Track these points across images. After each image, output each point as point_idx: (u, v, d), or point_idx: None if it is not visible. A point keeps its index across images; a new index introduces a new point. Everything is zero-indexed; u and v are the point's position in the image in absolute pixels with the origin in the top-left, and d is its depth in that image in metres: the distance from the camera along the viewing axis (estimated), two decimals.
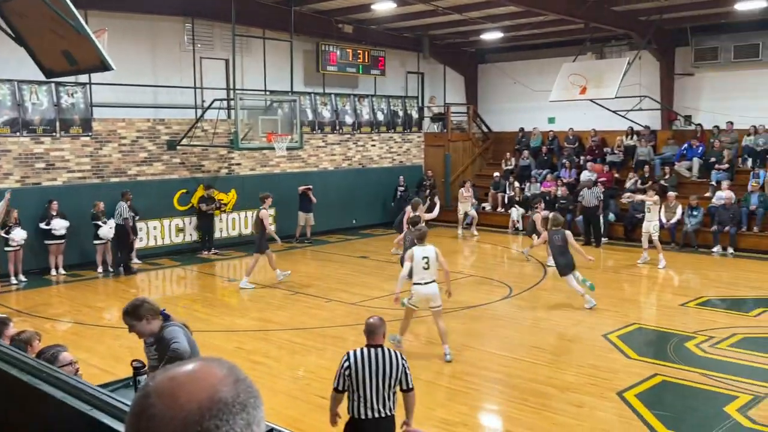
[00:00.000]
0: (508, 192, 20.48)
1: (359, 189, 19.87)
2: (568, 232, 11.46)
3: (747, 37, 17.91)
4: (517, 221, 19.62)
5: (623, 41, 19.94)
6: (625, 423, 6.80)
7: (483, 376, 8.32)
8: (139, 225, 15.49)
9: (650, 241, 14.53)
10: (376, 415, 5.04)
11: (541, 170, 20.61)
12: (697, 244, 16.37)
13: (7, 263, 13.28)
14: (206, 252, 16.43)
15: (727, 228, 15.93)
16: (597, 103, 18.76)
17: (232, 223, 17.44)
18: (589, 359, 8.69)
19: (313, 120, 19.42)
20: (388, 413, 5.10)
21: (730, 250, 15.86)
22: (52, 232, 13.86)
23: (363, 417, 5.04)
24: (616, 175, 19.24)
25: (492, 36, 20.41)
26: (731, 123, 18.29)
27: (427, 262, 8.62)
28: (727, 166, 17.50)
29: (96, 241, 14.36)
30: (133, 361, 3.57)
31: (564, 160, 20.17)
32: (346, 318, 11.09)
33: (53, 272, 14.06)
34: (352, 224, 19.82)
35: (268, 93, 17.28)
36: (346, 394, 5.13)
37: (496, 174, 21.09)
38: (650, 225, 14.39)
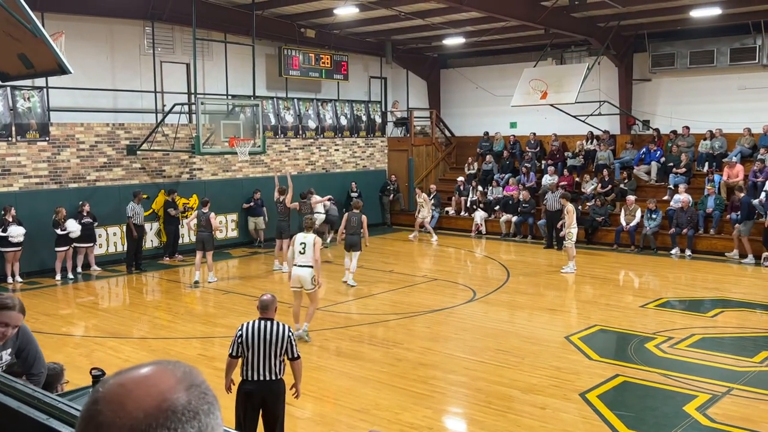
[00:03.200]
0: (471, 196, 20.61)
1: (323, 194, 19.69)
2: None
3: (702, 44, 18.32)
4: (481, 225, 19.77)
5: (583, 47, 20.24)
6: (588, 424, 6.88)
7: (447, 379, 8.35)
8: (99, 231, 15.23)
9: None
10: (261, 378, 5.72)
11: (504, 174, 20.79)
12: (656, 247, 16.68)
13: None
14: (168, 258, 16.22)
15: (684, 230, 16.25)
16: (558, 108, 19.02)
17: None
18: (552, 361, 8.77)
19: (275, 124, 19.32)
20: (274, 378, 5.77)
21: (688, 252, 16.18)
22: (9, 239, 13.51)
23: (249, 378, 5.75)
24: (577, 179, 19.50)
25: (454, 41, 20.54)
26: (687, 128, 18.67)
27: (303, 248, 9.79)
28: (684, 170, 17.85)
29: (57, 248, 14.07)
30: (92, 369, 3.49)
31: (525, 165, 20.38)
32: (310, 323, 11.03)
33: (9, 280, 13.73)
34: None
35: (229, 97, 17.14)
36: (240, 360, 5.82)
37: (460, 178, 21.23)
38: (566, 232, 14.54)
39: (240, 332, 5.77)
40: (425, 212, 19.17)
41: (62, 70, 8.21)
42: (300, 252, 9.80)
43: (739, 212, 15.60)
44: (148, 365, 1.13)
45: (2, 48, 8.51)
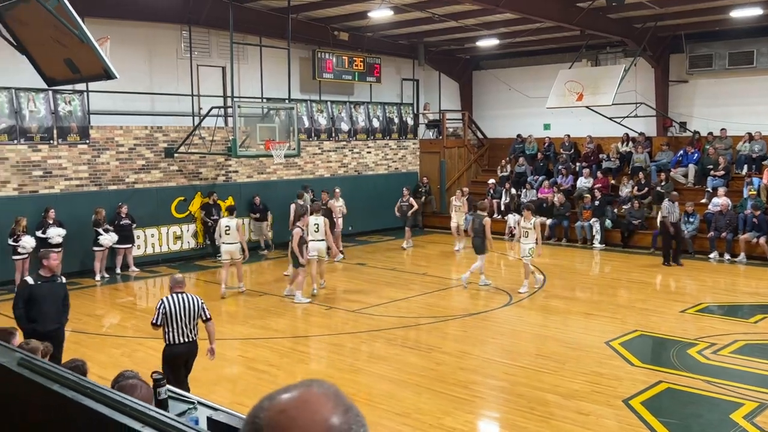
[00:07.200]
0: (504, 198, 20.49)
1: (355, 196, 19.76)
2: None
3: (741, 45, 18.02)
4: (514, 227, 19.63)
5: (618, 48, 20.03)
6: (632, 431, 6.80)
7: (488, 384, 8.31)
8: (137, 233, 15.45)
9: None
10: (185, 339, 7.01)
11: (537, 177, 20.65)
12: (693, 251, 16.43)
13: (15, 272, 13.21)
14: (221, 257, 16.24)
15: (723, 234, 16.00)
16: (592, 110, 18.84)
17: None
18: (593, 366, 8.69)
19: (309, 127, 19.41)
20: (193, 338, 7.10)
21: (727, 256, 15.92)
22: (48, 240, 13.73)
23: (176, 342, 6.99)
24: (612, 182, 19.31)
25: (487, 43, 20.47)
26: (725, 129, 18.39)
27: (317, 227, 12.77)
28: (723, 172, 17.58)
29: (95, 248, 14.33)
30: (153, 373, 3.54)
31: (560, 167, 20.21)
32: (345, 326, 11.08)
33: None
34: (348, 231, 19.69)
35: (265, 100, 17.25)
36: (161, 328, 7.02)
37: (491, 181, 21.12)
38: (526, 248, 13.09)
39: (162, 306, 6.96)
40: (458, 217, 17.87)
41: (108, 75, 8.38)
42: (315, 231, 12.68)
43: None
44: (298, 387, 1.14)
45: (50, 54, 8.69)
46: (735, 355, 9.14)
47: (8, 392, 2.16)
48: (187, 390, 6.72)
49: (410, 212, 18.43)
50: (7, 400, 2.17)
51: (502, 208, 20.45)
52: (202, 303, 7.13)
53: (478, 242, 13.34)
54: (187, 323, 6.98)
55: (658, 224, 16.10)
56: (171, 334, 6.96)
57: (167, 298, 7.04)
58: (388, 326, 10.97)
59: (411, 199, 18.59)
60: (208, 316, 7.14)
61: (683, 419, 7.12)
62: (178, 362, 7.03)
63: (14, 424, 2.11)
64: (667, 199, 15.77)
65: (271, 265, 16.44)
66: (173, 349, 6.98)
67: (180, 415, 3.37)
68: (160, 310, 6.94)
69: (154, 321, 6.99)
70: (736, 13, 15.94)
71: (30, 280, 7.71)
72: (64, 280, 8.00)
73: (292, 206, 15.33)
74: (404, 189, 18.71)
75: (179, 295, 7.06)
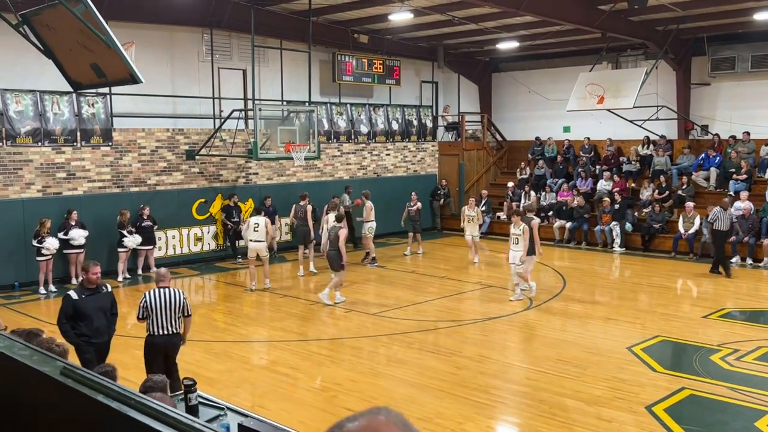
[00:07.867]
0: (523, 201, 20.42)
1: (374, 198, 19.67)
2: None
3: (764, 47, 17.84)
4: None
5: (639, 50, 19.92)
6: None
7: (509, 389, 8.30)
8: (158, 234, 15.58)
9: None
10: (166, 332, 7.37)
11: (557, 179, 20.57)
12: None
13: (38, 273, 13.41)
14: (240, 259, 16.34)
15: (746, 238, 15.86)
16: (613, 112, 18.75)
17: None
18: (615, 372, 8.66)
19: (329, 129, 19.47)
20: (175, 331, 7.44)
21: (749, 260, 15.78)
22: (71, 242, 13.91)
23: (157, 334, 7.36)
24: (633, 185, 19.19)
25: (507, 45, 20.42)
26: (747, 133, 18.22)
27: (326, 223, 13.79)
28: (745, 176, 17.42)
29: (120, 249, 14.51)
30: (185, 378, 3.59)
31: (580, 170, 20.12)
32: (366, 329, 11.10)
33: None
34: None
35: (285, 103, 17.33)
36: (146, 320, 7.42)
37: (510, 183, 21.07)
38: (516, 256, 12.56)
39: (144, 299, 7.33)
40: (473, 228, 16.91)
41: (134, 79, 8.48)
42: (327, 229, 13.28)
43: None
44: (366, 415, 1.17)
45: (76, 58, 8.79)
46: (759, 362, 9.05)
47: (50, 402, 2.19)
48: (176, 379, 7.28)
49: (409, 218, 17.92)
50: (49, 409, 2.21)
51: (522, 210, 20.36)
52: (184, 299, 7.45)
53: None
54: (168, 316, 7.32)
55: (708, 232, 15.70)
56: (153, 325, 7.33)
57: (149, 292, 7.39)
58: (407, 329, 10.98)
59: (419, 203, 18.15)
60: (189, 313, 7.54)
61: (707, 427, 7.07)
62: (157, 352, 7.38)
63: None
64: (719, 207, 14.76)
65: (290, 267, 16.51)
66: (153, 340, 7.37)
67: (210, 420, 3.41)
68: (141, 304, 7.34)
69: (137, 315, 7.38)
70: (760, 16, 15.80)
71: (74, 294, 7.42)
72: (109, 288, 7.75)
73: (294, 206, 15.51)
74: (412, 193, 18.31)
75: (162, 289, 7.39)
